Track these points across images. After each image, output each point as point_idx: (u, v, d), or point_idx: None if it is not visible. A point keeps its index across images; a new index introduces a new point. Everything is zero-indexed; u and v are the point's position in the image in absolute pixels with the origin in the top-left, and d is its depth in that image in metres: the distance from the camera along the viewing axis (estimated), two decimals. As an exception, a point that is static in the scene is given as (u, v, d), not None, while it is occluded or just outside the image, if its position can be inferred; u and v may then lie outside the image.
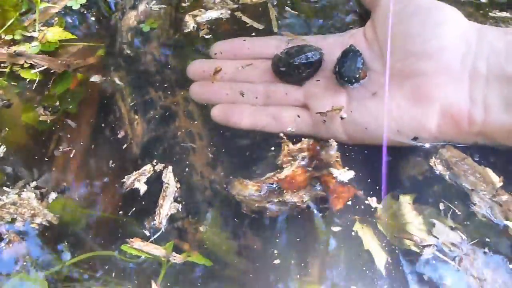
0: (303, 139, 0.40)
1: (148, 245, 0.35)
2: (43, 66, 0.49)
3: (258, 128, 0.41)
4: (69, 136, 0.44)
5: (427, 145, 0.37)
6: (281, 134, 0.40)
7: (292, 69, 0.41)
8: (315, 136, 0.40)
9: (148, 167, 0.40)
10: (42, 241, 0.37)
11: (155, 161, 0.40)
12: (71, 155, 0.42)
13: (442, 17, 0.37)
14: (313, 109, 0.40)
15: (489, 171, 0.35)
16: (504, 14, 0.49)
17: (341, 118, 0.38)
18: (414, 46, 0.36)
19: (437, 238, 0.33)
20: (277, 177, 0.37)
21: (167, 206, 0.37)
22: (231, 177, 0.38)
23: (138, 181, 0.39)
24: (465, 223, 0.34)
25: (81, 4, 0.55)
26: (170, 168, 0.40)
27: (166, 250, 0.35)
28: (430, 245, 0.33)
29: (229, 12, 0.52)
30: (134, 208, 0.38)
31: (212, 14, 0.52)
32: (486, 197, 0.34)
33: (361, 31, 0.42)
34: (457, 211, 0.34)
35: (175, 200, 0.38)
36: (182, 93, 0.45)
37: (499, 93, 0.33)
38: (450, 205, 0.35)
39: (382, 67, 0.39)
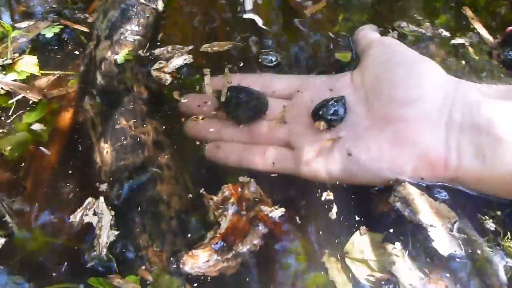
0: (221, 186, 0.40)
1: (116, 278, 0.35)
2: (20, 94, 0.49)
3: (244, 166, 0.42)
4: (38, 164, 0.44)
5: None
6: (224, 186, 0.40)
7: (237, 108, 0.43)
8: (297, 175, 0.40)
9: (90, 200, 0.40)
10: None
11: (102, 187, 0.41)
12: (40, 183, 0.42)
13: (424, 68, 0.39)
14: (297, 148, 0.41)
15: (445, 207, 0.36)
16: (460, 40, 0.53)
17: (349, 154, 0.38)
18: (397, 93, 0.38)
19: (397, 277, 0.34)
20: (219, 233, 0.37)
21: (105, 235, 0.38)
22: (178, 254, 0.36)
23: (86, 215, 0.39)
24: (426, 260, 0.35)
25: (54, 33, 0.55)
26: (102, 199, 0.40)
27: (134, 283, 0.35)
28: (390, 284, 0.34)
29: (191, 56, 0.52)
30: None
31: (178, 61, 0.51)
32: (444, 232, 0.35)
33: (349, 76, 0.44)
34: (418, 250, 0.35)
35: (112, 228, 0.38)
36: (153, 123, 0.46)
37: (470, 141, 0.35)
38: (413, 244, 0.35)
39: (365, 111, 0.40)
